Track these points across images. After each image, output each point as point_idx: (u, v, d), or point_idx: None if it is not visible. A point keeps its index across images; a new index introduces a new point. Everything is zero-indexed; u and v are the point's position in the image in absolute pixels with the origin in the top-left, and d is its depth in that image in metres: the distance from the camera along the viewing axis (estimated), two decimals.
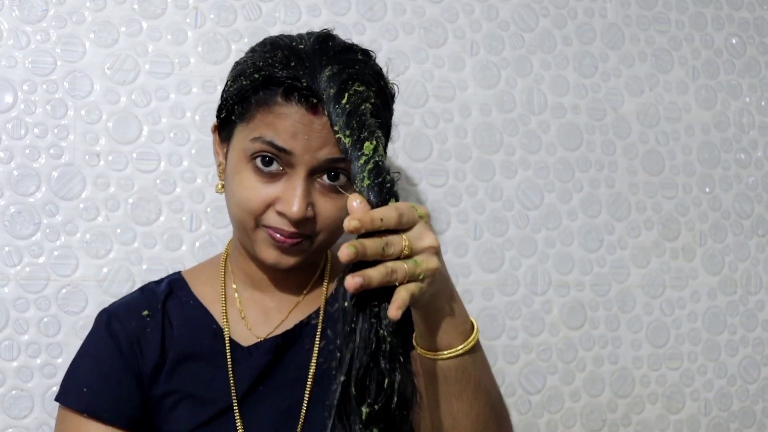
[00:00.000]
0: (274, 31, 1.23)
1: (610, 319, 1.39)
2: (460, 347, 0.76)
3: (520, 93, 1.35)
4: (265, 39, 0.91)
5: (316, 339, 0.95)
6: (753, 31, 1.49)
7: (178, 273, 1.03)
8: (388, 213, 0.68)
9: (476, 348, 0.78)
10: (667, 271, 1.43)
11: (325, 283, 1.00)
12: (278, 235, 0.86)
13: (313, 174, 0.85)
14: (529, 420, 1.35)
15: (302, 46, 0.85)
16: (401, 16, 1.30)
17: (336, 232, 0.90)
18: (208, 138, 1.14)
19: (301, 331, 0.96)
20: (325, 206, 0.87)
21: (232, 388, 0.92)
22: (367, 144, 0.73)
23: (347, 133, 0.75)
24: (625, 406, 1.40)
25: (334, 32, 0.90)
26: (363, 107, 0.77)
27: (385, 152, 0.89)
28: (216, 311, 0.96)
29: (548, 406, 1.36)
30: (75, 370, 0.95)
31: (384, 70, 0.91)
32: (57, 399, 0.94)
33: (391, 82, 0.91)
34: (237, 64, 0.91)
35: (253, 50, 0.90)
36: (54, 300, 1.14)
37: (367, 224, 0.67)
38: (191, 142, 1.20)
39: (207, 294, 0.98)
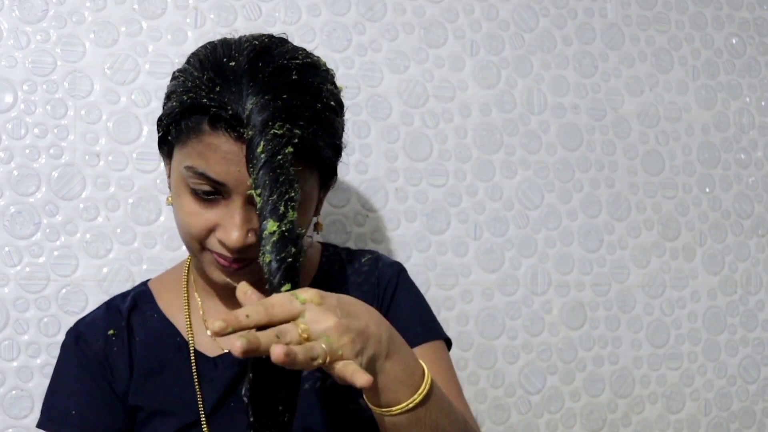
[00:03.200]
0: (274, 32, 1.23)
1: (610, 319, 1.39)
2: (410, 401, 0.72)
3: (520, 93, 1.35)
4: (198, 52, 0.84)
5: None
6: (753, 31, 1.49)
7: (145, 283, 1.00)
8: (254, 310, 0.64)
9: (428, 396, 0.74)
10: (667, 271, 1.43)
11: None
12: (222, 261, 0.83)
13: (251, 201, 0.79)
14: (529, 420, 1.35)
15: (233, 64, 0.78)
16: (401, 16, 1.30)
17: None
18: None
19: None
20: None
21: (200, 402, 0.90)
22: (272, 219, 0.72)
23: (257, 192, 0.73)
24: (625, 406, 1.40)
25: (284, 36, 0.86)
26: (281, 157, 0.73)
27: (333, 173, 0.87)
28: (180, 323, 0.94)
29: (548, 406, 1.36)
30: (56, 395, 0.93)
31: (331, 75, 0.86)
32: (44, 427, 0.91)
33: (336, 95, 0.85)
34: (173, 77, 0.85)
35: (188, 62, 0.84)
36: (54, 300, 1.14)
37: (232, 323, 0.62)
38: None
39: (171, 305, 0.95)
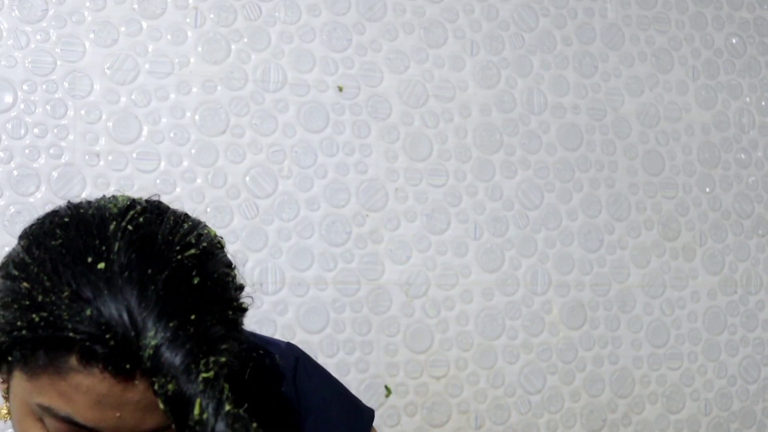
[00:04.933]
0: (274, 32, 1.24)
1: (610, 319, 1.39)
2: None
3: (520, 93, 1.35)
4: (43, 240, 0.60)
5: None
6: (753, 31, 1.49)
7: None
8: None
9: None
10: (667, 271, 1.43)
11: None
12: None
13: None
14: (529, 420, 1.35)
15: (102, 266, 0.55)
16: (401, 16, 1.30)
17: None
18: (208, 138, 1.14)
19: None
20: None
21: None
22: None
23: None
24: (625, 406, 1.40)
25: (155, 198, 0.67)
26: (227, 407, 0.53)
27: (234, 330, 0.62)
28: None
29: (548, 406, 1.36)
30: None
31: (227, 256, 0.64)
32: None
33: (238, 282, 0.63)
34: (7, 272, 0.60)
35: (28, 251, 0.61)
36: None
37: None
38: (191, 142, 1.20)
39: None
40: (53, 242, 0.58)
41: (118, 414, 0.56)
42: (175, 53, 1.19)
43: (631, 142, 1.41)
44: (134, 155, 1.18)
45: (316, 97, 1.25)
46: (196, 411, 0.51)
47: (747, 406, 1.47)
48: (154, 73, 1.19)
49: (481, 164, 1.33)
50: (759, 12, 1.50)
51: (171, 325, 0.53)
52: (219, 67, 1.21)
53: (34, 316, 0.54)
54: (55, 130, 1.15)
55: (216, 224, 1.20)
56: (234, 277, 0.63)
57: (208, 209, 1.20)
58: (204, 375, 0.52)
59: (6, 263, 0.61)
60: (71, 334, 0.53)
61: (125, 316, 0.53)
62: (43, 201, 1.14)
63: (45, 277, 0.56)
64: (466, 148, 1.32)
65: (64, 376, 0.55)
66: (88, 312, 0.53)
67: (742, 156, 1.48)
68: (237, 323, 0.60)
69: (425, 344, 1.29)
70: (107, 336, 0.53)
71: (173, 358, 0.52)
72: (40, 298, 0.55)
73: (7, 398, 0.63)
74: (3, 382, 0.62)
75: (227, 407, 0.52)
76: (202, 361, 0.53)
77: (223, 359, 0.54)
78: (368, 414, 0.85)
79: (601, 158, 1.39)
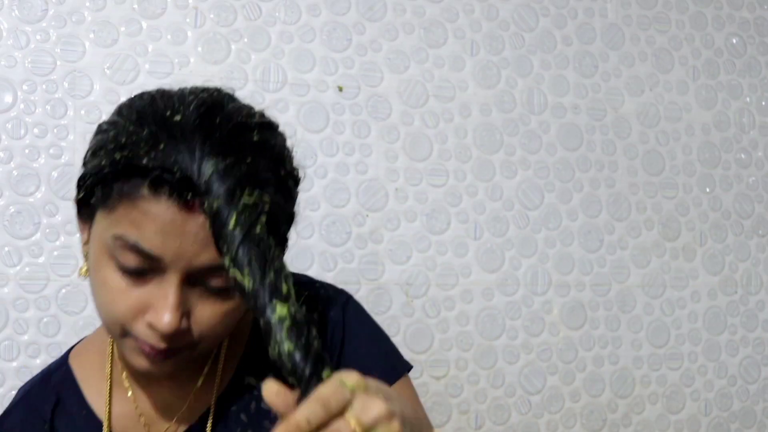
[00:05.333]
0: (274, 32, 1.24)
1: (611, 319, 1.39)
2: None
3: (520, 93, 1.35)
4: (132, 102, 0.71)
5: None
6: (753, 30, 1.49)
7: (66, 359, 0.85)
8: (313, 411, 0.53)
9: None
10: (668, 271, 1.43)
11: (219, 368, 0.81)
12: (148, 349, 0.70)
13: (189, 279, 0.68)
14: (529, 420, 1.35)
15: (179, 118, 0.66)
16: (401, 16, 1.30)
17: (222, 335, 0.74)
18: None
19: (203, 426, 0.81)
20: (205, 313, 0.70)
21: None
22: (278, 301, 0.58)
23: (245, 272, 0.60)
24: (626, 406, 1.40)
25: (231, 92, 0.73)
26: (258, 230, 0.62)
27: (285, 243, 0.76)
28: (107, 415, 0.81)
29: (548, 406, 1.36)
30: None
31: (287, 139, 0.75)
32: None
33: (295, 164, 0.74)
34: (99, 129, 0.72)
35: (118, 113, 0.71)
36: (54, 300, 1.14)
37: (298, 428, 0.52)
38: None
39: (99, 394, 0.82)
40: (139, 102, 0.70)
41: (178, 242, 0.65)
42: (175, 53, 1.19)
43: (631, 142, 1.41)
44: None
45: (316, 97, 1.25)
46: (231, 224, 0.61)
47: (747, 406, 1.47)
48: (154, 73, 1.19)
49: (481, 164, 1.33)
50: (759, 12, 1.50)
51: (227, 161, 0.63)
52: (219, 67, 1.21)
53: (116, 155, 0.66)
54: (55, 130, 1.15)
55: None
56: (291, 153, 0.73)
57: None
58: (245, 200, 0.62)
59: (99, 125, 0.72)
60: (145, 162, 0.64)
61: (191, 154, 0.64)
62: (43, 201, 1.14)
63: (130, 125, 0.67)
64: (466, 148, 1.32)
65: (137, 203, 0.65)
66: (161, 147, 0.64)
67: (743, 156, 1.48)
68: (287, 182, 0.70)
69: (425, 344, 1.29)
70: (174, 168, 0.63)
71: (222, 184, 0.62)
72: (123, 140, 0.66)
73: (86, 256, 0.74)
74: (85, 243, 0.74)
75: (258, 230, 0.61)
76: (247, 191, 0.62)
77: (266, 198, 0.64)
78: (406, 364, 0.87)
79: (601, 158, 1.39)
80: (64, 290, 1.15)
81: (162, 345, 0.69)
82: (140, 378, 0.80)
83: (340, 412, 0.54)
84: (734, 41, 1.48)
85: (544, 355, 1.35)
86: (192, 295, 0.69)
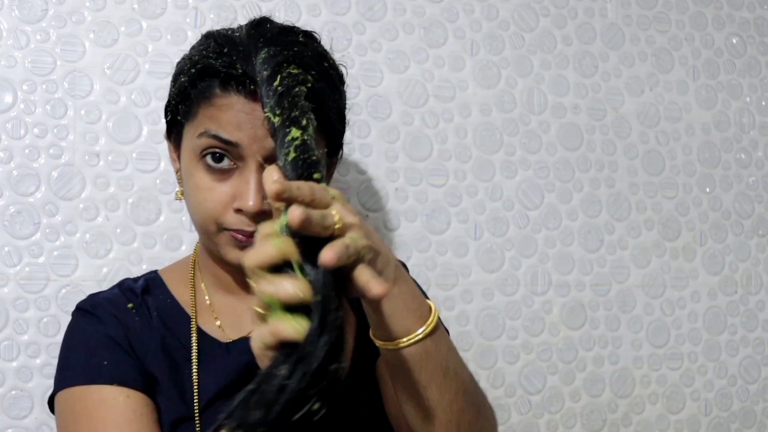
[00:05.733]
0: None
1: (611, 319, 1.39)
2: (420, 331, 0.70)
3: (520, 93, 1.35)
4: (202, 35, 0.89)
5: None
6: (753, 30, 1.49)
7: (155, 272, 1.01)
8: (302, 186, 0.61)
9: (437, 331, 0.72)
10: (668, 271, 1.43)
11: None
12: (240, 236, 0.83)
13: (264, 164, 0.80)
14: (529, 420, 1.35)
15: (237, 33, 0.83)
16: (401, 16, 1.30)
17: None
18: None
19: None
20: None
21: (202, 389, 0.89)
22: (294, 127, 0.68)
23: (277, 111, 0.70)
24: (626, 406, 1.40)
25: (273, 17, 0.89)
26: (297, 89, 0.73)
27: (340, 138, 0.89)
28: (191, 312, 0.94)
29: (548, 406, 1.36)
30: (80, 352, 0.89)
31: (330, 51, 0.88)
32: (69, 384, 0.87)
33: (339, 63, 0.88)
34: (177, 64, 0.88)
35: (191, 47, 0.88)
36: (54, 300, 1.14)
37: (287, 189, 0.59)
38: None
39: (182, 295, 0.96)
40: (205, 33, 0.88)
41: (250, 127, 0.80)
42: (175, 53, 1.19)
43: (631, 142, 1.41)
44: (134, 155, 1.18)
45: None
46: (275, 84, 0.72)
47: (747, 406, 1.47)
48: (154, 73, 1.19)
49: (481, 164, 1.33)
50: (759, 12, 1.50)
51: (277, 48, 0.78)
52: None
53: (191, 69, 0.83)
54: (55, 130, 1.15)
55: None
56: (333, 57, 0.87)
57: None
58: (290, 70, 0.74)
59: (177, 62, 0.89)
60: (213, 63, 0.80)
61: (248, 54, 0.79)
62: (42, 201, 1.14)
63: (199, 46, 0.85)
64: (466, 148, 1.32)
65: (212, 101, 0.81)
66: (225, 51, 0.81)
67: (743, 156, 1.48)
68: (329, 73, 0.84)
69: None
70: (237, 66, 0.79)
71: (271, 63, 0.76)
72: (195, 57, 0.84)
73: (179, 181, 0.90)
74: (177, 171, 0.90)
75: (297, 90, 0.72)
76: (292, 66, 0.75)
77: (309, 77, 0.75)
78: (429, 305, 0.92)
79: (601, 158, 1.39)
80: (64, 290, 1.15)
81: (251, 227, 0.82)
82: (219, 288, 0.95)
83: (323, 207, 0.62)
84: (734, 41, 1.48)
85: (544, 355, 1.35)
86: None
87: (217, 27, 1.19)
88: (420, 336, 0.71)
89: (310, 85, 0.75)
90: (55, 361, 1.14)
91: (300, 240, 0.60)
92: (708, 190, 1.45)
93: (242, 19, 1.22)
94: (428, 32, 1.31)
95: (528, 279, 1.35)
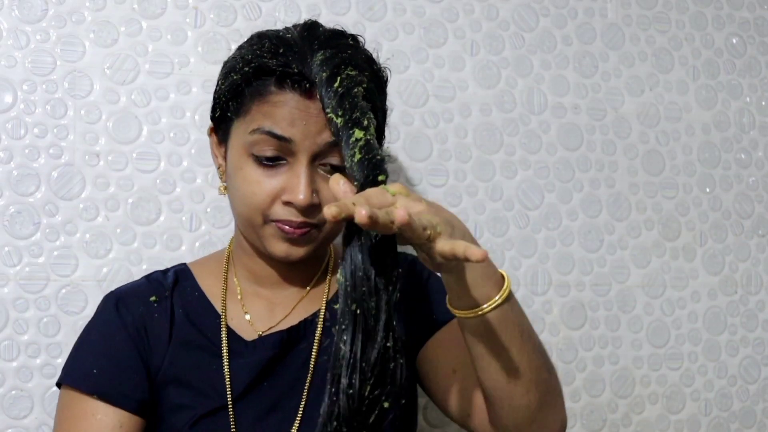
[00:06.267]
0: None
1: (611, 319, 1.39)
2: (498, 296, 0.74)
3: (520, 93, 1.35)
4: (251, 35, 0.92)
5: (316, 337, 0.94)
6: (753, 30, 1.49)
7: (184, 264, 1.03)
8: (358, 200, 0.65)
9: (512, 295, 0.76)
10: (668, 271, 1.43)
11: (328, 279, 0.99)
12: (287, 227, 0.86)
13: (314, 160, 0.85)
14: None
15: (290, 35, 0.86)
16: (401, 16, 1.30)
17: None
18: (208, 138, 1.14)
19: (306, 328, 0.95)
20: (330, 192, 0.81)
21: (231, 382, 0.92)
22: (357, 128, 0.74)
23: (339, 113, 0.76)
24: (626, 406, 1.40)
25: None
26: (356, 90, 0.78)
27: (382, 136, 0.92)
28: (219, 305, 0.96)
29: None
30: (81, 352, 0.94)
31: (374, 55, 0.91)
32: (62, 381, 0.93)
33: (383, 66, 0.92)
34: (226, 62, 0.92)
35: (240, 47, 0.91)
36: (54, 300, 1.14)
37: (344, 209, 0.62)
38: (191, 142, 1.20)
39: (211, 287, 0.98)
40: (255, 34, 0.91)
41: (303, 123, 0.83)
42: (175, 53, 1.19)
43: (631, 142, 1.41)
44: (134, 155, 1.18)
45: None
46: (335, 85, 0.78)
47: (747, 406, 1.47)
48: (154, 73, 1.19)
49: (481, 164, 1.33)
50: (759, 12, 1.50)
51: (328, 53, 0.81)
52: (219, 67, 1.20)
53: (245, 68, 0.86)
54: (55, 130, 1.15)
55: (216, 224, 1.20)
56: (378, 65, 0.90)
57: (208, 209, 1.20)
58: (348, 72, 0.80)
59: (224, 62, 0.93)
60: (269, 62, 0.83)
61: (303, 54, 0.83)
62: (42, 201, 1.14)
63: (253, 45, 0.88)
64: (466, 148, 1.32)
65: (267, 98, 0.84)
66: (281, 52, 0.84)
67: (743, 156, 1.48)
68: (379, 75, 0.88)
69: None
70: (293, 65, 0.83)
71: (329, 66, 0.80)
72: (249, 56, 0.86)
73: (222, 177, 0.93)
74: (219, 167, 0.94)
75: (356, 91, 0.77)
76: (349, 68, 0.80)
77: (365, 78, 0.81)
78: None
79: (601, 158, 1.39)
80: (64, 290, 1.15)
81: (299, 218, 0.85)
82: (252, 282, 0.97)
83: (386, 207, 0.65)
84: (734, 41, 1.48)
85: None
86: (318, 177, 0.86)
87: (218, 27, 1.21)
88: (499, 301, 0.74)
89: (366, 85, 0.80)
90: (55, 361, 1.15)
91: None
92: (708, 190, 1.45)
93: (242, 20, 1.22)
94: (428, 32, 1.31)
95: (528, 279, 1.35)
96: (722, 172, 1.46)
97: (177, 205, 1.19)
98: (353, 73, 0.80)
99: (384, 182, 0.71)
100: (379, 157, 0.72)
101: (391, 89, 1.27)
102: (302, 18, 1.24)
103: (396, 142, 1.28)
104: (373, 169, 0.71)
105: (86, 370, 0.91)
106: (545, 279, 1.36)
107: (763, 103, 1.49)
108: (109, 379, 0.90)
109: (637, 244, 1.41)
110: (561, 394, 0.85)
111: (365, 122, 0.75)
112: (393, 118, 1.28)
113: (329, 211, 0.61)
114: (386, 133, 1.27)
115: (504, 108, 1.34)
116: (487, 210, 1.33)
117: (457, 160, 1.31)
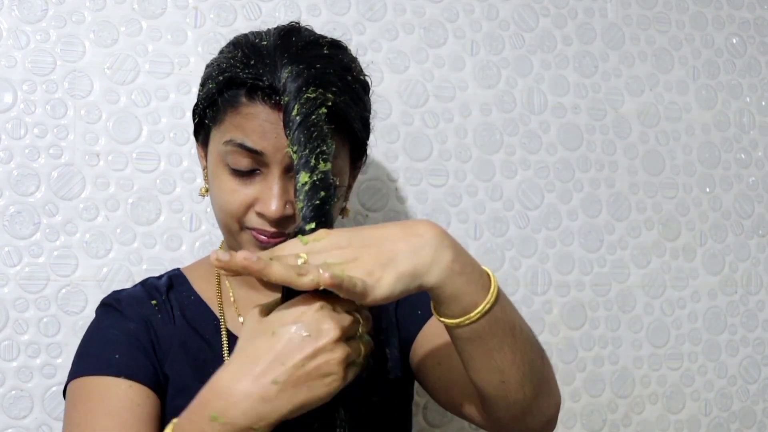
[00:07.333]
0: None
1: (611, 319, 1.39)
2: (485, 301, 0.71)
3: (520, 93, 1.35)
4: (230, 41, 0.91)
5: None
6: (753, 30, 1.49)
7: (178, 269, 1.03)
8: (263, 253, 0.69)
9: (500, 294, 0.73)
10: (668, 271, 1.43)
11: None
12: (262, 237, 0.86)
13: (288, 171, 0.84)
14: None
15: (264, 43, 0.85)
16: (401, 16, 1.30)
17: None
18: None
19: None
20: None
21: None
22: (303, 171, 0.75)
23: (294, 149, 0.76)
24: (626, 406, 1.40)
25: (304, 24, 0.90)
26: (314, 117, 0.77)
27: (363, 146, 0.92)
28: (216, 309, 0.96)
29: None
30: (95, 345, 0.91)
31: (357, 59, 0.90)
32: (82, 373, 0.88)
33: (363, 74, 0.90)
34: (206, 67, 0.91)
35: (220, 51, 0.91)
36: (54, 300, 1.14)
37: (232, 262, 0.65)
38: (191, 142, 1.20)
39: (205, 291, 0.98)
40: (235, 39, 0.90)
41: (275, 137, 0.82)
42: (175, 53, 1.19)
43: (631, 142, 1.41)
44: (134, 155, 1.18)
45: None
46: (293, 113, 0.77)
47: (747, 406, 1.47)
48: (154, 73, 1.19)
49: (481, 164, 1.33)
50: (759, 12, 1.50)
51: (300, 66, 0.80)
52: None
53: (219, 77, 0.85)
54: (55, 130, 1.15)
55: (216, 224, 1.20)
56: (359, 65, 0.89)
57: (208, 209, 1.20)
58: (308, 95, 0.78)
59: (206, 64, 0.92)
60: (241, 74, 0.83)
61: (274, 67, 0.81)
62: (42, 201, 1.14)
63: (227, 54, 0.87)
64: (466, 148, 1.32)
65: (239, 110, 0.84)
66: (252, 63, 0.83)
67: (743, 156, 1.48)
68: (353, 86, 0.85)
69: None
70: (264, 78, 0.81)
71: (293, 84, 0.78)
72: (223, 65, 0.86)
73: (206, 178, 0.92)
74: (204, 168, 0.92)
75: (314, 117, 0.77)
76: (311, 89, 0.78)
77: (329, 96, 0.79)
78: None
79: (601, 158, 1.39)
80: (64, 290, 1.15)
81: (272, 229, 0.85)
82: (243, 285, 0.97)
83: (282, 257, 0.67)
84: (734, 41, 1.48)
85: None
86: (292, 187, 0.82)
87: (218, 27, 1.21)
88: (488, 306, 0.71)
89: (330, 103, 0.79)
90: (55, 361, 1.15)
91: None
92: (708, 190, 1.45)
93: (242, 20, 1.22)
94: (428, 32, 1.31)
95: (528, 279, 1.35)
96: (722, 172, 1.46)
97: (177, 205, 1.19)
98: (313, 95, 0.78)
99: (314, 229, 0.73)
100: (318, 201, 0.74)
101: (391, 89, 1.28)
102: (302, 18, 1.24)
103: (396, 142, 1.28)
104: (303, 219, 0.74)
105: (108, 357, 0.89)
106: (545, 279, 1.36)
107: (763, 103, 1.49)
108: (135, 361, 0.89)
109: (637, 244, 1.41)
110: (554, 379, 0.84)
111: (312, 161, 0.75)
112: (393, 118, 1.28)
113: (213, 256, 0.64)
114: (386, 133, 1.28)
115: (504, 108, 1.34)
116: (487, 210, 1.33)
117: (457, 160, 1.31)
